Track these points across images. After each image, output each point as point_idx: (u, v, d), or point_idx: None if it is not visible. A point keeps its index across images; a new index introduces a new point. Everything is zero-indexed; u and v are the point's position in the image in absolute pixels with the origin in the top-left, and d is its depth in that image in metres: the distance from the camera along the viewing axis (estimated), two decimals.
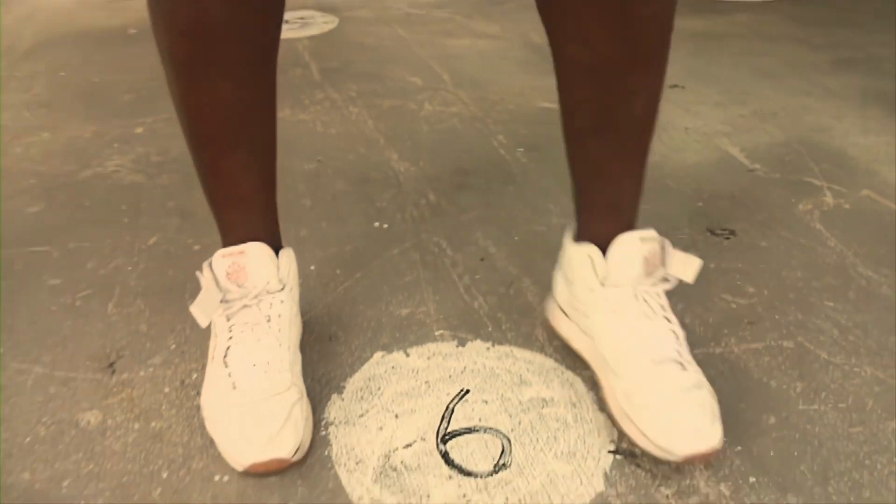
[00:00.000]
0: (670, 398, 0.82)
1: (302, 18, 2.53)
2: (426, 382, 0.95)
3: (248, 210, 0.93)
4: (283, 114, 1.77)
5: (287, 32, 2.38)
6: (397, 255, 1.22)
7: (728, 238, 1.24)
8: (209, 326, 0.97)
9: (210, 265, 0.89)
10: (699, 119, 1.70)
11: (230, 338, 0.88)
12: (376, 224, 1.31)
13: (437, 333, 1.04)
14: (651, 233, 0.90)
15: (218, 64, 0.80)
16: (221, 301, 0.89)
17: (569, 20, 0.80)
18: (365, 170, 1.50)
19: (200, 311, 0.88)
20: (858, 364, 0.97)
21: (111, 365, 0.98)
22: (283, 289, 0.92)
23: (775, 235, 1.25)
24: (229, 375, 0.85)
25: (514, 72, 2.01)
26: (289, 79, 2.00)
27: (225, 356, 0.87)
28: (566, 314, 0.97)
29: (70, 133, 1.68)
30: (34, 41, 2.36)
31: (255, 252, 0.89)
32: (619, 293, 0.89)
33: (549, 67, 0.85)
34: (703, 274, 1.15)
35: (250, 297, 0.89)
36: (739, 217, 1.31)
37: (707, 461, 0.82)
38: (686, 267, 0.91)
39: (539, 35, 2.08)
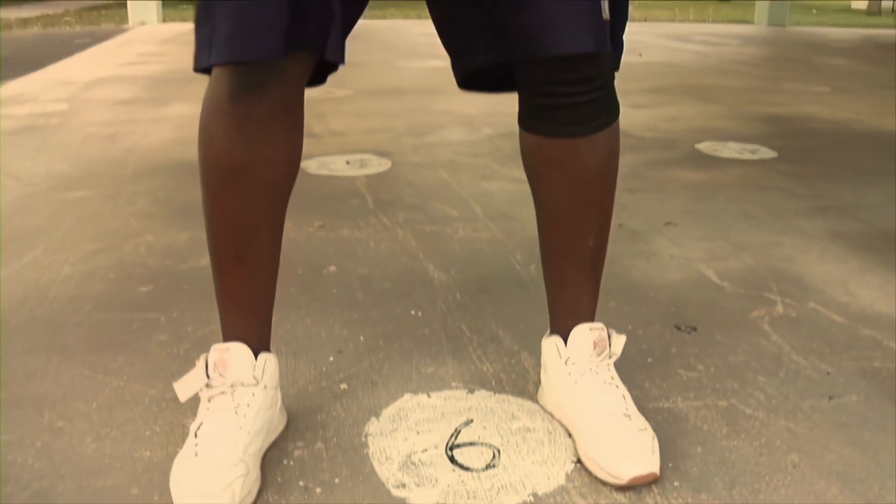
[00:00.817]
0: (620, 439, 1.12)
1: (361, 160, 2.95)
2: (442, 414, 1.26)
3: (243, 314, 1.16)
4: (342, 233, 2.15)
5: (348, 171, 2.80)
6: (427, 333, 1.55)
7: (690, 333, 1.56)
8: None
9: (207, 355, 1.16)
10: (684, 249, 2.03)
11: (205, 416, 1.10)
12: (412, 312, 1.65)
13: (452, 384, 1.36)
14: (598, 325, 1.23)
15: (236, 195, 1.08)
16: (207, 386, 1.11)
17: (539, 173, 1.18)
18: (406, 275, 1.85)
19: (181, 387, 1.12)
20: (776, 419, 1.26)
21: None
22: (256, 384, 1.13)
23: (729, 332, 1.56)
24: (196, 445, 1.07)
25: None
26: (349, 206, 2.39)
27: (198, 429, 1.09)
28: (547, 392, 1.28)
29: (169, 237, 2.07)
30: (136, 169, 2.81)
31: (237, 351, 1.13)
32: (577, 369, 1.21)
33: None
34: (664, 355, 1.46)
35: (227, 386, 1.11)
36: (703, 319, 1.62)
37: (647, 482, 1.09)
38: (618, 344, 1.23)
39: None
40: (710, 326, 1.59)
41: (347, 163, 2.94)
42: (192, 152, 3.06)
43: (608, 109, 1.14)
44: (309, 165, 2.84)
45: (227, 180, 1.08)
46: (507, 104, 3.84)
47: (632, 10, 16.62)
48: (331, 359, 1.44)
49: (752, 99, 4.52)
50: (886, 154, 3.16)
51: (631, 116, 3.85)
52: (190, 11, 13.89)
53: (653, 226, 2.23)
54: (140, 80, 5.08)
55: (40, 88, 4.94)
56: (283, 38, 0.99)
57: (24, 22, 13.28)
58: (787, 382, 1.37)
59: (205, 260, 1.90)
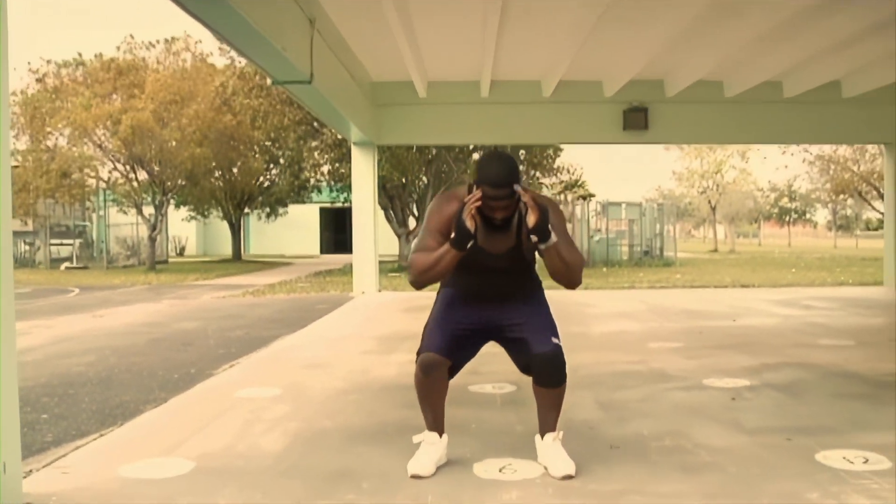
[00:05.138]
0: (558, 461, 3.36)
1: (501, 386, 5.26)
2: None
3: (434, 425, 3.48)
4: (483, 413, 4.45)
5: (492, 391, 5.12)
6: (498, 431, 3.81)
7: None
8: None
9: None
10: (627, 424, 4.19)
11: (423, 448, 3.51)
12: (508, 428, 3.91)
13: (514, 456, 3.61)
14: (558, 433, 3.46)
15: (431, 379, 3.38)
16: (423, 441, 3.47)
17: (542, 395, 3.47)
18: (497, 421, 4.12)
19: (416, 438, 3.49)
20: None
21: None
22: (439, 443, 3.46)
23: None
24: (419, 454, 3.47)
25: None
26: (489, 403, 4.70)
27: (418, 449, 3.49)
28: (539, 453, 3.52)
29: (397, 411, 4.45)
30: (382, 386, 5.28)
31: (430, 438, 3.45)
32: (544, 442, 3.46)
33: None
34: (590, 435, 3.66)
35: (432, 441, 3.49)
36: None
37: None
38: (559, 435, 3.46)
39: None
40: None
41: (492, 387, 5.26)
42: (408, 380, 5.52)
43: (563, 376, 3.41)
44: (473, 387, 5.19)
45: (425, 375, 3.42)
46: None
47: (792, 275, 18.44)
48: (456, 439, 3.73)
49: (777, 351, 6.54)
50: (831, 382, 5.13)
51: (678, 363, 6.04)
52: (398, 281, 17.24)
53: (632, 416, 4.40)
54: (371, 338, 7.78)
55: (309, 342, 7.75)
56: (445, 351, 3.40)
57: (272, 287, 17.00)
58: None
59: (409, 411, 4.25)
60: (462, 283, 3.52)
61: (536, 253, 3.37)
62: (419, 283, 3.36)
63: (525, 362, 3.45)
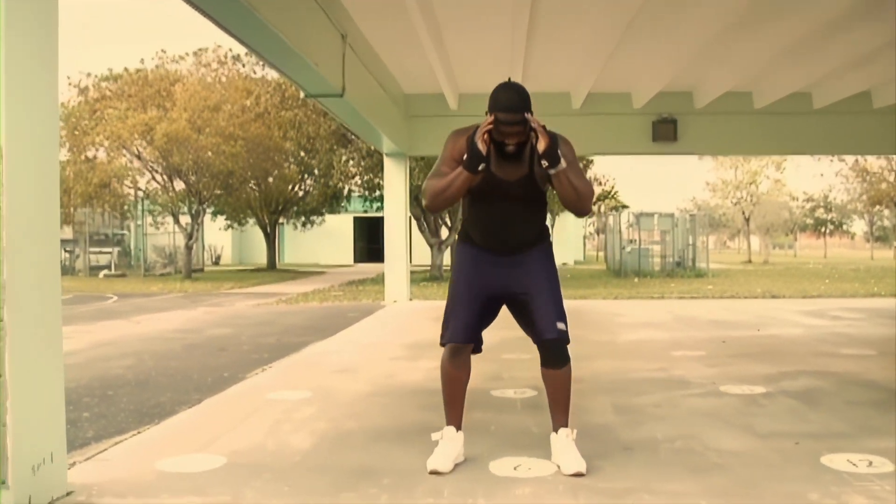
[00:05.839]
0: (569, 459, 3.53)
1: (522, 391, 5.43)
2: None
3: (454, 419, 3.72)
4: (503, 417, 4.62)
5: (513, 395, 5.29)
6: (516, 414, 3.98)
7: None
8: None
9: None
10: (646, 430, 4.33)
11: (441, 445, 3.69)
12: (515, 426, 4.08)
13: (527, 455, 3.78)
14: (572, 431, 3.63)
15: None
16: (442, 437, 3.67)
17: (548, 380, 3.67)
18: (513, 422, 4.29)
19: (434, 436, 3.67)
20: None
21: None
22: (456, 438, 3.67)
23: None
24: (437, 451, 3.65)
25: None
26: (511, 407, 4.86)
27: (437, 446, 3.68)
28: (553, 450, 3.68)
29: (421, 413, 4.64)
30: (410, 389, 5.47)
31: (449, 433, 3.66)
32: (557, 440, 3.63)
33: None
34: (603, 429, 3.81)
35: (450, 436, 3.67)
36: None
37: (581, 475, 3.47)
38: (573, 433, 3.63)
39: None
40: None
41: (514, 392, 5.43)
42: (432, 385, 5.71)
43: (567, 358, 3.62)
44: (495, 392, 5.36)
45: (448, 371, 3.70)
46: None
47: (824, 286, 18.37)
48: (475, 439, 3.90)
49: (797, 360, 6.63)
50: (846, 390, 5.23)
51: (698, 371, 6.16)
52: (429, 289, 17.45)
53: (647, 419, 4.54)
54: (400, 345, 7.98)
55: (339, 348, 7.96)
56: (469, 338, 3.62)
57: (305, 296, 17.27)
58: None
59: (431, 413, 4.43)
60: (478, 216, 3.66)
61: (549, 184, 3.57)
62: (434, 207, 3.60)
63: (533, 338, 3.68)
